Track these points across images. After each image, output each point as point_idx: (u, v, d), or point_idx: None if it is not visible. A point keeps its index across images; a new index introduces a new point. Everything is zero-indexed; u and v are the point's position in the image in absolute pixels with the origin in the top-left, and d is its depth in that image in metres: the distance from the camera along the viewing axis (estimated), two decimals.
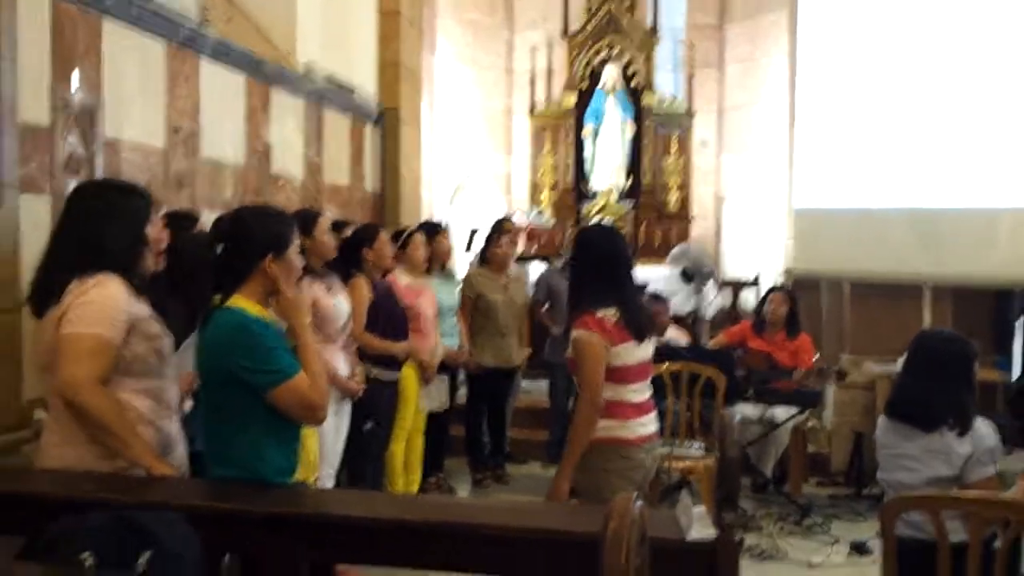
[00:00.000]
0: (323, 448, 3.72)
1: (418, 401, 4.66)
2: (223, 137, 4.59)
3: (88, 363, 2.17)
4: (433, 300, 4.79)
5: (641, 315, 3.04)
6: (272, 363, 2.15)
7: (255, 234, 2.27)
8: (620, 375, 2.96)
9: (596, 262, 3.05)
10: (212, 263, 2.25)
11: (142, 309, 2.30)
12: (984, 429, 2.82)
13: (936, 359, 2.92)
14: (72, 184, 3.40)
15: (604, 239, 3.19)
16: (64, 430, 2.23)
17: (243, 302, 2.22)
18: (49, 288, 2.28)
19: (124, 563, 1.64)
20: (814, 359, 5.46)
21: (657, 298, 5.76)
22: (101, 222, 2.31)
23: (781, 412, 5.10)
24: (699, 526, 1.94)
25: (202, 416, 2.32)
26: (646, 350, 3.06)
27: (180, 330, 2.56)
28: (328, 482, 3.92)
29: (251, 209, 2.74)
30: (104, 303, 2.20)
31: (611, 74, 8.42)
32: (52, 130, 3.37)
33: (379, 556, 2.04)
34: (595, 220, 8.05)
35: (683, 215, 8.48)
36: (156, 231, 2.56)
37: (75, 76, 3.49)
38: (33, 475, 2.31)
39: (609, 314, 2.93)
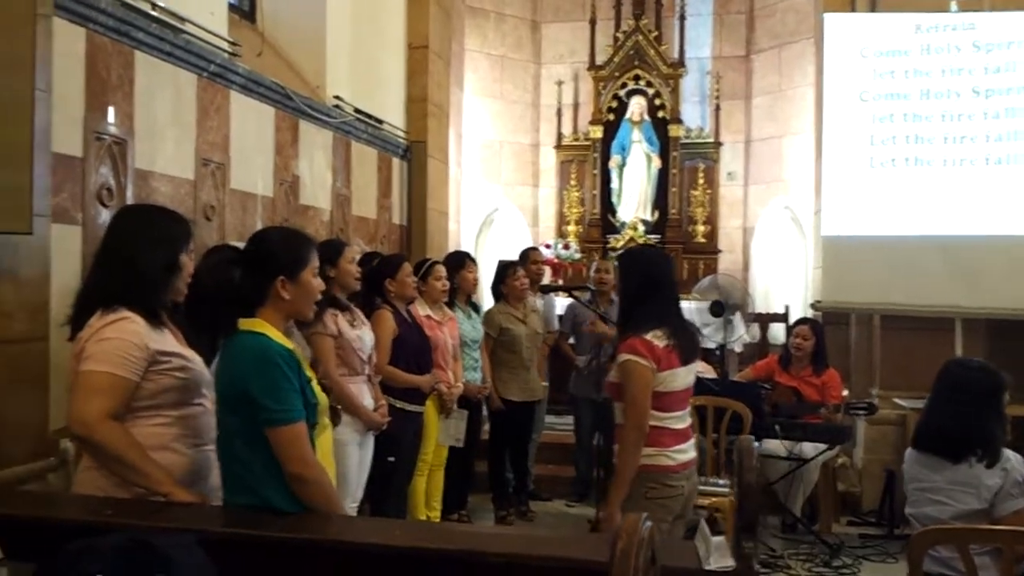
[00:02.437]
0: (347, 481, 3.70)
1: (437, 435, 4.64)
2: (252, 169, 4.66)
3: (98, 400, 2.18)
4: (454, 332, 4.78)
5: (689, 336, 3.02)
6: (279, 400, 2.11)
7: (270, 254, 2.26)
8: (664, 402, 2.95)
9: (644, 283, 3.04)
10: (231, 284, 2.21)
11: (164, 342, 2.30)
12: (1014, 461, 2.75)
13: (963, 388, 2.85)
14: (104, 215, 3.48)
15: (652, 260, 3.17)
16: (88, 454, 2.25)
17: (265, 327, 2.20)
18: (81, 312, 2.30)
19: None
20: (843, 394, 5.38)
21: None
22: (138, 244, 2.34)
23: (809, 448, 5.03)
24: (717, 556, 1.91)
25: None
26: (690, 375, 3.06)
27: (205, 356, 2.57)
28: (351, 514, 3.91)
29: (274, 230, 2.75)
30: (119, 341, 2.21)
31: (637, 106, 8.46)
32: (84, 161, 3.44)
33: None
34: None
35: (710, 248, 8.45)
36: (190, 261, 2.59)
37: (108, 108, 3.57)
38: (53, 500, 2.33)
39: (657, 336, 2.92)
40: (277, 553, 2.02)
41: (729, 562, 1.88)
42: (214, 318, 2.22)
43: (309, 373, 2.26)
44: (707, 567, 1.88)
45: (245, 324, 2.20)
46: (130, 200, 3.66)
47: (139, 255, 2.31)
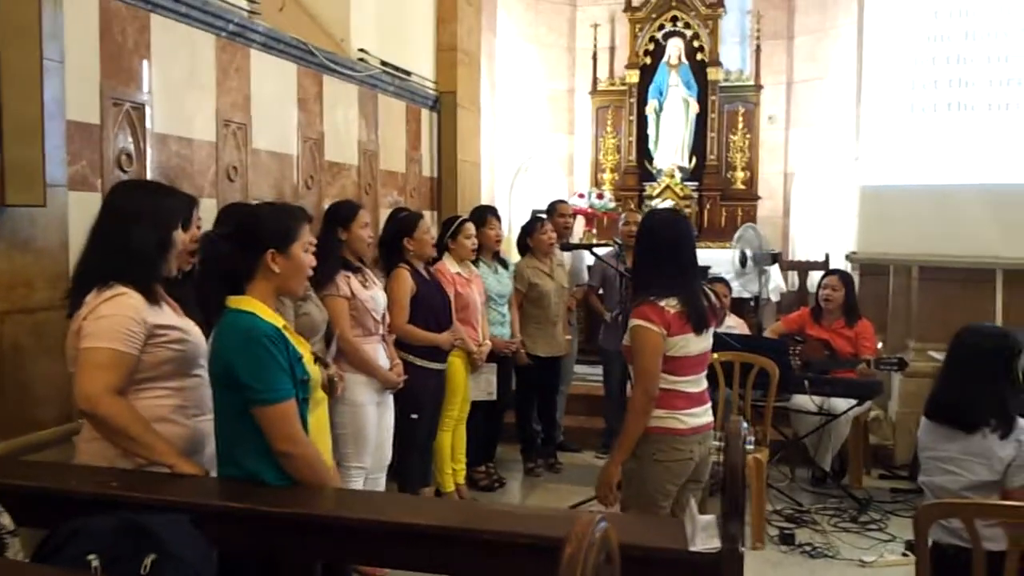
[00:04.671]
0: (365, 441, 3.75)
1: (466, 391, 4.68)
2: (275, 128, 4.65)
3: (102, 375, 2.23)
4: (481, 289, 4.80)
5: (702, 307, 2.99)
6: (265, 380, 2.13)
7: (260, 227, 2.26)
8: (676, 366, 2.94)
9: (661, 250, 3.01)
10: (217, 258, 2.23)
11: (162, 316, 2.34)
12: None
13: (975, 356, 2.78)
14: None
15: (670, 226, 3.11)
16: (94, 428, 2.32)
17: (254, 304, 2.22)
18: (79, 290, 2.36)
19: (129, 565, 1.69)
20: (876, 346, 5.29)
21: (718, 281, 5.67)
22: (128, 223, 2.37)
23: (840, 403, 4.97)
24: (704, 536, 1.91)
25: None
26: (705, 342, 3.02)
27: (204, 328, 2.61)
28: (379, 473, 3.98)
29: (265, 204, 2.75)
30: (117, 317, 2.25)
31: (675, 48, 8.26)
32: (102, 127, 3.47)
33: (388, 559, 2.06)
34: (658, 201, 7.94)
35: (749, 194, 8.30)
36: (192, 233, 2.62)
37: (124, 73, 3.58)
38: (60, 470, 2.41)
39: (671, 304, 2.90)
40: (276, 526, 2.07)
41: (715, 543, 1.87)
42: (203, 294, 2.24)
43: (301, 349, 2.28)
44: (692, 548, 1.88)
45: (234, 302, 2.21)
46: (149, 165, 3.70)
47: (132, 233, 2.33)
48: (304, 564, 2.16)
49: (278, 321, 2.23)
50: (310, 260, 2.34)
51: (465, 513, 2.28)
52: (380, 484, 4.01)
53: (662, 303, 2.90)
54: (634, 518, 2.68)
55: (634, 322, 2.93)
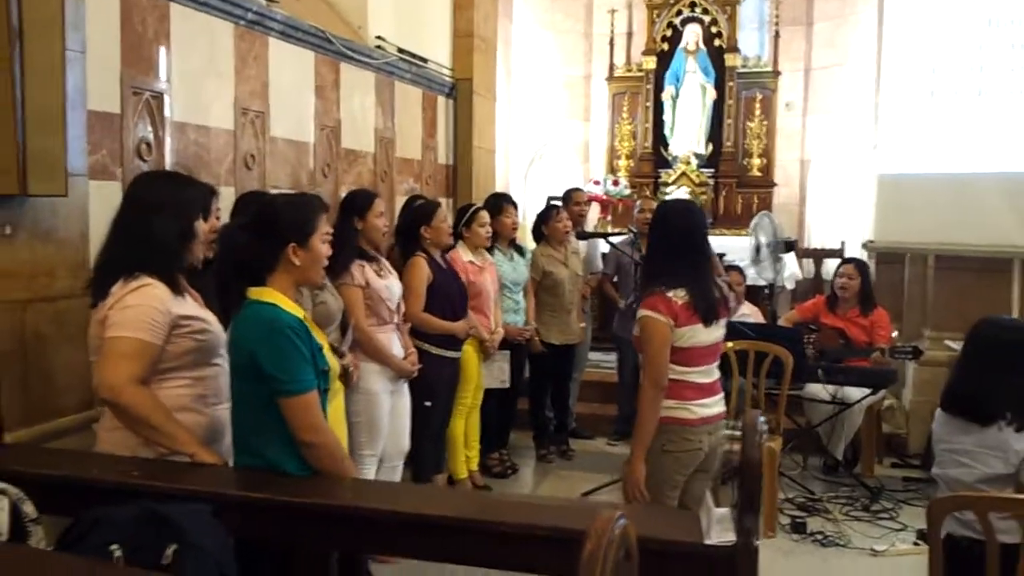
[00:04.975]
0: (378, 430, 3.78)
1: (479, 379, 4.71)
2: (293, 115, 4.68)
3: (126, 365, 2.27)
4: (495, 277, 4.81)
5: (712, 298, 2.99)
6: (289, 371, 2.16)
7: (282, 220, 2.28)
8: (686, 356, 2.95)
9: (671, 240, 3.02)
10: (237, 249, 2.25)
11: (185, 307, 2.38)
12: None
13: (993, 348, 2.77)
14: (143, 169, 3.55)
15: (681, 216, 3.11)
16: (116, 416, 2.36)
17: (275, 296, 2.24)
18: (103, 280, 2.39)
19: (151, 554, 1.73)
20: (892, 334, 5.28)
21: (734, 268, 5.66)
22: (150, 214, 2.40)
23: (854, 391, 4.97)
24: (719, 529, 1.93)
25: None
26: (715, 332, 3.02)
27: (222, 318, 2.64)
28: (397, 461, 4.01)
29: (283, 196, 2.77)
30: (143, 307, 2.28)
31: (693, 34, 8.21)
32: (123, 116, 3.50)
33: (404, 548, 2.09)
34: (673, 188, 7.92)
35: (766, 181, 8.26)
36: (211, 223, 2.66)
37: (144, 62, 3.61)
38: (82, 458, 2.45)
39: (679, 295, 2.91)
40: (295, 516, 2.11)
41: (731, 537, 1.89)
42: (222, 285, 2.26)
43: (320, 340, 2.31)
44: (707, 541, 1.90)
45: (255, 293, 2.24)
46: (168, 153, 3.73)
47: (155, 224, 2.36)
48: (321, 553, 2.19)
49: (299, 312, 2.26)
50: (327, 250, 2.36)
51: (481, 504, 2.30)
52: (397, 472, 4.05)
53: (670, 293, 2.91)
54: (650, 510, 2.70)
55: (642, 312, 2.95)
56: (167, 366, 2.35)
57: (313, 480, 2.21)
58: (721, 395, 3.10)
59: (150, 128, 3.65)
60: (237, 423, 2.30)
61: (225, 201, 3.44)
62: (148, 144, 3.62)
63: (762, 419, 2.01)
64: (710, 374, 3.04)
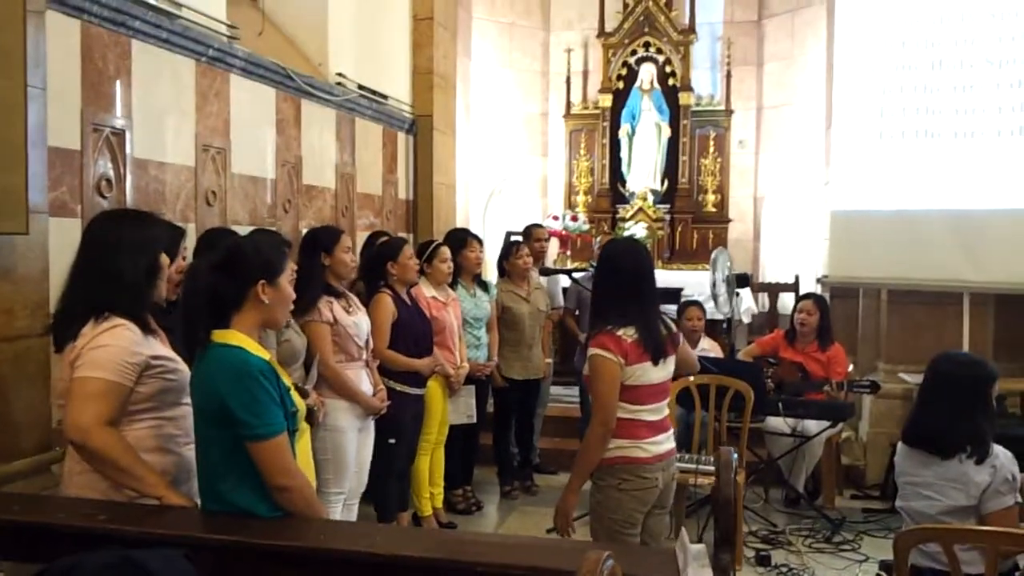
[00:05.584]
0: (345, 468, 3.74)
1: (444, 415, 4.68)
2: (254, 151, 4.66)
3: (94, 406, 2.22)
4: (457, 313, 4.81)
5: (660, 336, 3.01)
6: (260, 415, 2.11)
7: (251, 258, 2.23)
8: (636, 395, 2.95)
9: (618, 278, 3.03)
10: (203, 289, 2.19)
11: (155, 347, 2.34)
12: (1003, 457, 2.74)
13: (951, 383, 2.84)
14: (103, 206, 3.50)
15: (628, 255, 3.13)
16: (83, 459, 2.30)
17: (240, 338, 2.19)
18: (67, 322, 2.34)
19: None
20: (847, 370, 5.38)
21: (693, 304, 5.73)
22: (114, 253, 2.35)
23: (813, 425, 5.05)
24: (695, 566, 1.94)
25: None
26: (664, 370, 3.04)
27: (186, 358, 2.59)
28: (355, 498, 3.96)
29: (251, 235, 2.74)
30: (113, 348, 2.24)
31: (647, 73, 8.38)
32: (83, 153, 3.46)
33: None
34: (631, 224, 8.02)
35: (720, 217, 8.41)
36: (178, 264, 2.62)
37: (105, 99, 3.58)
38: (49, 503, 2.38)
39: (628, 333, 2.92)
40: (268, 559, 2.07)
41: (708, 573, 1.90)
42: (189, 326, 2.21)
43: (287, 382, 2.28)
44: None
45: (219, 336, 2.18)
46: (129, 190, 3.68)
47: (121, 263, 2.32)
48: None
49: (265, 355, 2.22)
50: (291, 293, 2.32)
51: (456, 544, 2.28)
52: (354, 510, 4.00)
53: (619, 332, 2.91)
54: (625, 549, 2.70)
55: (592, 351, 2.94)
56: (139, 407, 2.31)
57: (285, 522, 2.17)
58: (671, 431, 3.11)
59: (111, 165, 3.61)
60: (203, 469, 2.24)
61: (187, 238, 3.41)
62: (108, 180, 3.58)
63: (735, 456, 2.03)
64: (660, 412, 3.05)
